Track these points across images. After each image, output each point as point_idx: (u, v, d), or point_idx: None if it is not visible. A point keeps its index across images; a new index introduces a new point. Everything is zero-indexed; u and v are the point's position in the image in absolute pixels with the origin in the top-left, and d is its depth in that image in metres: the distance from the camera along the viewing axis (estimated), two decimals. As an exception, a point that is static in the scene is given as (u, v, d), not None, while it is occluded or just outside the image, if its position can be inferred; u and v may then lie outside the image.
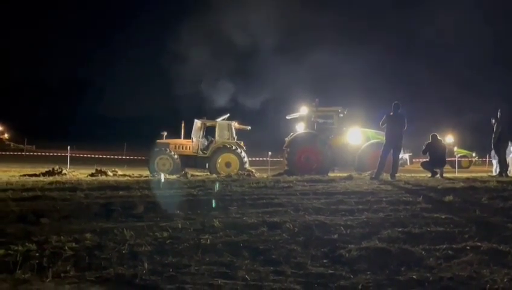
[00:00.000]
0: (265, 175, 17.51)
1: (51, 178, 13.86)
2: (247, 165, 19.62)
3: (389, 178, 12.58)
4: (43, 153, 25.63)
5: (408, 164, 18.20)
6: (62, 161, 22.40)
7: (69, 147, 23.74)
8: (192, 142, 20.11)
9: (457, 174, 19.58)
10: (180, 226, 5.37)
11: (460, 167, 29.05)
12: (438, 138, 15.39)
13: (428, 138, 15.25)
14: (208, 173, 18.81)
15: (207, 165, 19.62)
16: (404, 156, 17.82)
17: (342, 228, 5.26)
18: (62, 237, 4.68)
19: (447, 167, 18.31)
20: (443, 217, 5.96)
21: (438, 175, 14.31)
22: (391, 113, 12.93)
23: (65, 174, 16.11)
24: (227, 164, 19.42)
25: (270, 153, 26.14)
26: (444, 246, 4.47)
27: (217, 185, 9.70)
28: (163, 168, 19.05)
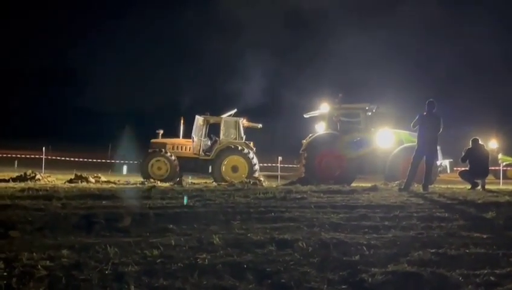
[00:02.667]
0: (274, 184, 17.50)
1: (22, 184, 13.92)
2: (257, 170, 19.54)
3: (421, 189, 12.55)
4: (14, 155, 25.78)
5: (448, 171, 18.09)
6: (36, 164, 22.49)
7: (44, 148, 23.83)
8: (193, 142, 20.06)
9: (501, 186, 19.49)
10: (173, 242, 5.38)
11: (505, 177, 28.90)
12: (480, 143, 15.32)
13: (468, 143, 15.19)
14: (207, 181, 18.82)
15: (210, 169, 19.57)
16: (444, 162, 17.76)
17: (364, 247, 5.25)
18: (35, 254, 4.70)
19: (489, 178, 18.26)
20: (484, 236, 5.93)
21: (479, 187, 14.26)
22: (425, 113, 12.89)
23: (39, 179, 16.19)
24: (234, 168, 19.33)
25: (280, 158, 26.04)
26: (486, 271, 4.44)
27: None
28: (158, 172, 19.05)
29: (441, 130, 12.88)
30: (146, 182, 16.57)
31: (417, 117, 12.94)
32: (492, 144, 32.85)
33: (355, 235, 5.94)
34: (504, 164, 31.58)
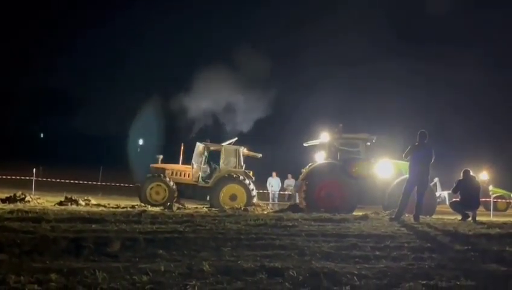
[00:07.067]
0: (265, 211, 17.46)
1: (11, 206, 13.81)
2: (255, 199, 19.48)
3: (412, 220, 12.55)
4: (3, 176, 25.59)
5: (447, 202, 18.11)
6: (26, 185, 22.34)
7: (34, 170, 23.68)
8: (193, 168, 19.99)
9: (492, 218, 19.51)
10: (162, 268, 5.34)
11: (496, 209, 28.90)
12: (471, 174, 15.37)
13: (459, 175, 15.23)
14: (198, 206, 18.74)
15: (208, 196, 19.48)
16: (443, 193, 17.79)
17: (355, 277, 5.23)
18: (22, 277, 4.66)
19: (480, 209, 18.28)
20: (475, 269, 5.93)
21: (470, 218, 14.27)
22: (416, 144, 12.97)
23: (29, 201, 16.06)
24: (232, 197, 19.18)
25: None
26: (476, 304, 4.44)
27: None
28: (156, 197, 18.95)
29: (432, 160, 12.95)
30: (136, 206, 16.47)
31: (409, 148, 13.03)
32: (483, 176, 32.91)
33: (346, 265, 5.93)
34: (495, 195, 31.65)
